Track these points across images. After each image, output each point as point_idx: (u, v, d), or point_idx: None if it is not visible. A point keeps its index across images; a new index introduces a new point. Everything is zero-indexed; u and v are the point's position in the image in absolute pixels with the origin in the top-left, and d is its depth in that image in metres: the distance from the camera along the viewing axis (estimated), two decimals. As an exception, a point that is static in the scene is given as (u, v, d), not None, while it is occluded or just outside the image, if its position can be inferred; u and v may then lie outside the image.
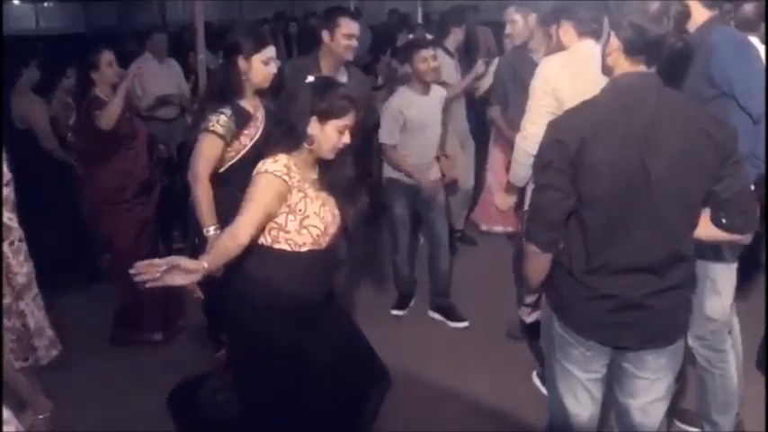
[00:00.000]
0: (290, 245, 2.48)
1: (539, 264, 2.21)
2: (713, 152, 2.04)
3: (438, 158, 4.50)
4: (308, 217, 2.47)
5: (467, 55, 6.18)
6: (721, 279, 2.83)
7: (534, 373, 3.68)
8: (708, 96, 2.66)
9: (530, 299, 2.45)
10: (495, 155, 5.57)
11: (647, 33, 2.02)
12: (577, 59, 2.93)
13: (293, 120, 2.47)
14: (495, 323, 4.22)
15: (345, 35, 3.73)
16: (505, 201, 3.66)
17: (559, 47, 3.10)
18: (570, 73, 2.94)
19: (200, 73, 4.71)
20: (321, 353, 2.57)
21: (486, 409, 3.51)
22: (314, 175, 2.56)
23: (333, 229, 2.57)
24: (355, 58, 3.99)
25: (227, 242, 2.37)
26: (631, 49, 2.05)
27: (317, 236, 2.50)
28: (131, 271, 2.09)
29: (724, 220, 2.12)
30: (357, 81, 3.88)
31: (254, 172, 2.46)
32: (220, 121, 3.05)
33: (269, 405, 2.52)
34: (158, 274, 2.10)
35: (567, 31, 3.04)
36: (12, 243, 3.03)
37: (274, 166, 2.43)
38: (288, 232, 2.47)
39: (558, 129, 2.11)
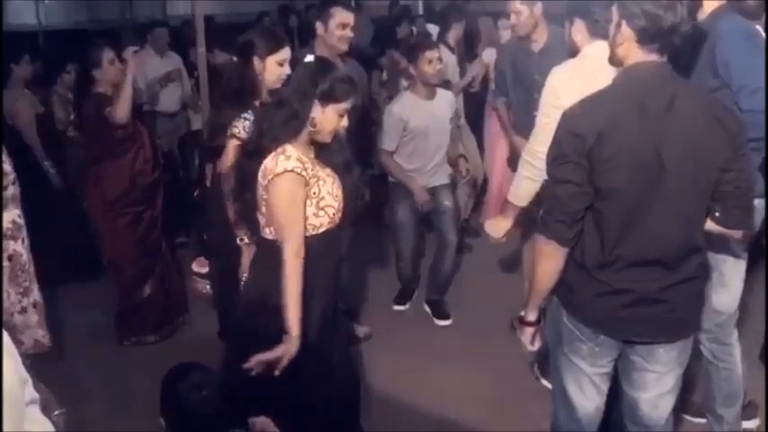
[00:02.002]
0: (307, 229, 2.45)
1: (554, 262, 2.15)
2: (725, 142, 2.02)
3: (457, 159, 4.38)
4: (323, 198, 2.45)
5: (468, 47, 6.17)
6: (729, 271, 2.81)
7: (535, 367, 3.63)
8: (713, 87, 2.63)
9: (532, 314, 2.32)
10: (495, 149, 5.52)
11: (661, 21, 1.98)
12: (586, 66, 2.83)
13: (296, 103, 2.42)
14: (498, 316, 4.21)
15: (339, 25, 3.67)
16: (500, 227, 3.21)
17: (572, 46, 3.03)
18: (579, 84, 2.77)
19: (201, 67, 4.69)
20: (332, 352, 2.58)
21: (487, 402, 3.51)
22: (312, 155, 2.52)
23: (344, 204, 2.54)
24: (358, 50, 3.96)
25: (296, 264, 2.35)
26: (645, 38, 2.02)
27: (333, 214, 2.49)
28: (245, 366, 2.29)
29: (717, 213, 2.11)
30: (355, 73, 3.83)
31: (269, 173, 2.38)
32: (246, 127, 3.02)
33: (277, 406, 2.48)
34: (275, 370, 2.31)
35: (579, 31, 2.94)
36: (23, 241, 3.05)
37: (292, 163, 2.38)
38: (306, 218, 2.44)
39: (574, 121, 2.07)
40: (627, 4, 2.04)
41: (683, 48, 2.09)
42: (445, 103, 4.28)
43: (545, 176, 2.65)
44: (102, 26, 9.66)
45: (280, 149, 2.41)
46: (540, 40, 3.86)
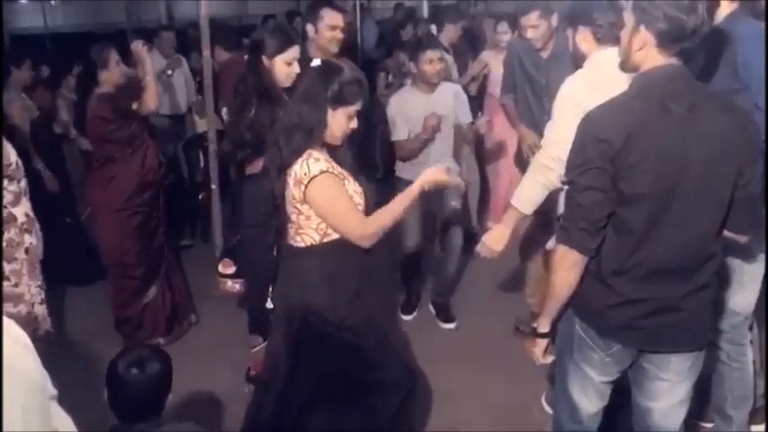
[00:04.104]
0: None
1: (574, 272, 2.09)
2: (743, 146, 1.99)
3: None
4: (351, 197, 2.47)
5: (471, 48, 6.16)
6: (748, 272, 2.78)
7: (543, 397, 3.52)
8: (734, 89, 2.59)
9: (545, 326, 2.25)
10: (500, 150, 5.49)
11: (684, 24, 1.93)
12: (600, 73, 2.70)
13: (311, 112, 2.43)
14: (503, 319, 4.19)
15: (329, 27, 3.61)
16: (500, 236, 2.95)
17: (577, 53, 2.98)
18: (596, 92, 2.56)
19: (206, 70, 4.68)
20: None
21: (491, 405, 3.48)
22: (327, 157, 2.52)
23: (366, 202, 2.56)
24: (363, 53, 3.94)
25: (380, 224, 2.47)
26: (666, 42, 1.97)
27: (361, 212, 2.50)
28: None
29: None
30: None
31: (305, 178, 2.39)
32: None
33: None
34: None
35: (585, 38, 2.84)
36: (36, 234, 3.07)
37: (324, 164, 2.41)
38: None
39: (598, 126, 2.01)
40: (645, 8, 1.99)
41: (698, 50, 2.06)
42: (447, 95, 4.17)
43: (557, 185, 2.62)
44: (108, 29, 9.70)
45: (305, 155, 2.42)
46: (548, 46, 3.87)
